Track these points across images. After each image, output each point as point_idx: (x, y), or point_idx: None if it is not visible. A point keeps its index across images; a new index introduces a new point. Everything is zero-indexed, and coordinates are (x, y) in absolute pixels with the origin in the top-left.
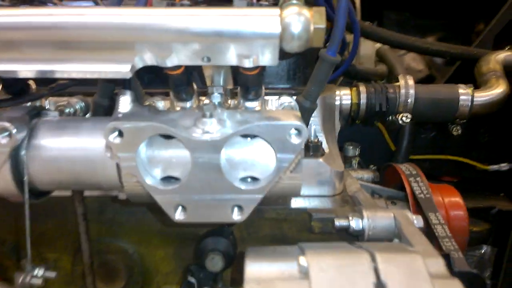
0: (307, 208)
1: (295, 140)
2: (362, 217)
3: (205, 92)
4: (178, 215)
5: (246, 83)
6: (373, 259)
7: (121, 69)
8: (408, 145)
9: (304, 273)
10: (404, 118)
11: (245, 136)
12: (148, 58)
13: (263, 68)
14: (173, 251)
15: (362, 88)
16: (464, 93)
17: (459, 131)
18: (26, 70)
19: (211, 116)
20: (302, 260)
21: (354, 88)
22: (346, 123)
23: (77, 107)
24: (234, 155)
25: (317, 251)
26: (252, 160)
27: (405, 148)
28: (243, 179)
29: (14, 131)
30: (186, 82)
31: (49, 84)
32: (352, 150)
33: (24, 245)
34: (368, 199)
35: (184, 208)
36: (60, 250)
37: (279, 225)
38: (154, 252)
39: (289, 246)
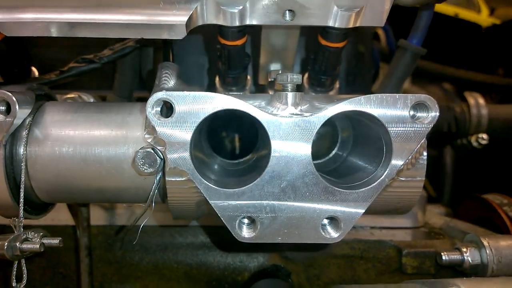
0: (393, 240)
1: (421, 118)
2: (481, 247)
3: None
4: (245, 232)
5: (324, 63)
6: None
7: (176, 23)
8: (451, 189)
9: None
10: (480, 140)
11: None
12: (212, 13)
13: (346, 44)
14: None
15: None
16: None
17: None
18: (48, 19)
19: (295, 94)
20: None
21: None
22: None
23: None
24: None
25: (471, 283)
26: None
27: (448, 194)
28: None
29: (16, 105)
30: (242, 62)
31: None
32: None
33: None
34: (473, 228)
35: (252, 222)
36: None
37: (351, 265)
38: None
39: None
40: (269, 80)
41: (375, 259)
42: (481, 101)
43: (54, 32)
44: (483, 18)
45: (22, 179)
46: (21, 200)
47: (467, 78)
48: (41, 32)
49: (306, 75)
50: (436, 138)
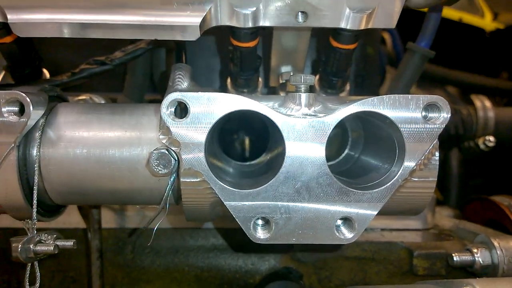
0: (404, 242)
1: (433, 119)
2: (492, 248)
3: None
4: (260, 233)
5: (335, 64)
6: None
7: (190, 24)
8: (457, 194)
9: None
10: (487, 142)
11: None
12: (225, 14)
13: (357, 46)
14: None
15: None
16: None
17: None
18: (61, 20)
19: (308, 95)
20: None
21: None
22: None
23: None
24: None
25: (485, 282)
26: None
27: (455, 197)
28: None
29: (30, 106)
30: (254, 64)
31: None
32: None
33: None
34: (483, 229)
35: (267, 222)
36: None
37: (362, 267)
38: None
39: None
40: (281, 82)
41: (386, 260)
42: (488, 103)
43: (66, 33)
44: (487, 22)
45: (36, 181)
46: (35, 202)
47: (471, 82)
48: (54, 33)
49: (317, 77)
50: (443, 141)
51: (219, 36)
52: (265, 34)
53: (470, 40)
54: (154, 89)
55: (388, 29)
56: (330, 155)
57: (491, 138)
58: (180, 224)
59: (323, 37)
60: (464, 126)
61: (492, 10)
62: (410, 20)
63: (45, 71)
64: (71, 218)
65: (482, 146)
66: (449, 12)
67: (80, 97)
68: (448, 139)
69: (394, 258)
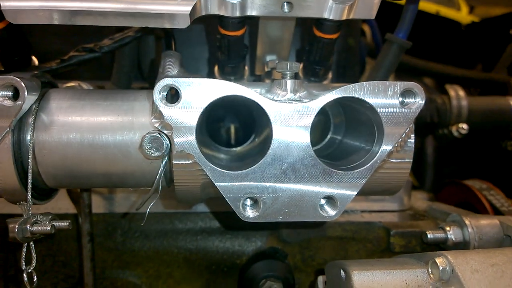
0: (381, 222)
1: (409, 104)
2: (463, 226)
3: None
4: (248, 212)
5: (318, 53)
6: None
7: (180, 12)
8: (432, 180)
9: (448, 278)
10: (460, 130)
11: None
12: (214, 3)
13: (339, 36)
14: (202, 287)
15: None
16: None
17: None
18: (51, 7)
19: (294, 81)
20: (442, 264)
21: None
22: None
23: None
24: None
25: (457, 253)
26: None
27: (430, 183)
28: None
29: (25, 90)
30: (241, 52)
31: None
32: None
33: None
34: (455, 210)
35: (255, 202)
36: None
37: (344, 246)
38: None
39: (398, 257)
40: (266, 70)
41: (366, 239)
42: (461, 93)
43: (57, 20)
44: (463, 16)
45: (30, 164)
46: (29, 184)
47: (447, 73)
48: (45, 20)
49: (301, 66)
50: (419, 128)
51: (206, 25)
52: (251, 23)
53: (447, 32)
54: (141, 77)
55: (367, 21)
56: (314, 140)
57: (464, 126)
58: (169, 208)
59: (306, 27)
60: (438, 114)
61: (468, 4)
62: (388, 13)
63: (34, 58)
64: (60, 204)
65: (455, 134)
66: (426, 5)
67: (69, 84)
68: (424, 127)
69: (373, 237)
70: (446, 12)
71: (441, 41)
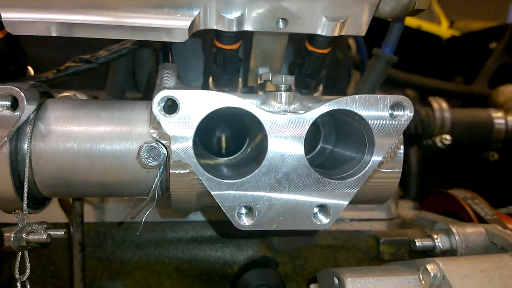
0: (371, 230)
1: (399, 116)
2: (450, 234)
3: None
4: (244, 220)
5: (310, 67)
6: None
7: (179, 27)
8: (416, 189)
9: (438, 284)
10: (444, 141)
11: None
12: (212, 19)
13: (330, 51)
14: None
15: None
16: (498, 116)
17: (495, 157)
18: (51, 19)
19: (288, 93)
20: (433, 270)
21: None
22: None
23: None
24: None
25: (447, 260)
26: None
27: (414, 192)
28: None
29: (24, 100)
30: (236, 65)
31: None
32: None
33: None
34: (441, 218)
35: (250, 210)
36: None
37: (334, 255)
38: None
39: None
40: (260, 82)
41: (356, 248)
42: (444, 105)
43: (55, 32)
44: (443, 30)
45: (27, 173)
46: (25, 193)
47: (429, 85)
48: (44, 32)
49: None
50: (404, 139)
51: (203, 40)
52: (245, 37)
53: (428, 46)
54: (135, 87)
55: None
56: (306, 150)
57: (448, 137)
58: (161, 217)
59: (299, 41)
60: (422, 125)
61: (448, 18)
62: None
63: (29, 68)
64: (51, 213)
65: (439, 144)
66: (408, 20)
67: (64, 94)
68: (408, 138)
69: (363, 245)
70: (427, 26)
71: (423, 55)
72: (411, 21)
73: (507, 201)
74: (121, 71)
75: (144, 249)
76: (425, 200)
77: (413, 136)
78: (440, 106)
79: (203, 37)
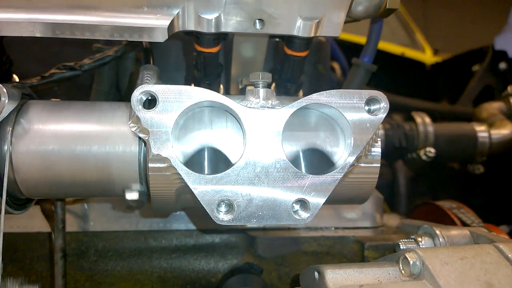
0: (355, 236)
1: (375, 111)
2: (434, 236)
3: None
4: (223, 215)
5: (289, 71)
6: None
7: (159, 26)
8: (405, 209)
9: (419, 272)
10: (428, 153)
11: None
12: (191, 19)
13: (308, 54)
14: None
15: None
16: (481, 130)
17: (481, 170)
18: (34, 19)
19: (266, 90)
20: (413, 258)
21: None
22: None
23: None
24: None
25: (426, 249)
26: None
27: (403, 207)
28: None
29: (6, 96)
30: (216, 69)
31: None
32: None
33: None
34: (426, 223)
35: (230, 206)
36: None
37: (319, 261)
38: None
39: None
40: (240, 87)
41: (341, 254)
42: (427, 119)
43: (39, 33)
44: (427, 57)
45: (6, 173)
46: (4, 193)
47: (412, 106)
48: (27, 32)
49: (273, 85)
50: (389, 153)
51: (184, 50)
52: (226, 44)
53: (412, 72)
54: (120, 97)
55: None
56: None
57: (432, 150)
58: (143, 227)
59: (278, 49)
60: (406, 139)
61: (432, 47)
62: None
63: (14, 76)
64: (34, 222)
65: (424, 157)
66: (392, 48)
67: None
68: (393, 151)
69: (347, 251)
70: (411, 53)
71: (407, 80)
72: (395, 49)
73: (494, 215)
74: (105, 81)
75: (127, 258)
76: (412, 213)
77: (398, 149)
78: (423, 120)
79: (184, 48)
